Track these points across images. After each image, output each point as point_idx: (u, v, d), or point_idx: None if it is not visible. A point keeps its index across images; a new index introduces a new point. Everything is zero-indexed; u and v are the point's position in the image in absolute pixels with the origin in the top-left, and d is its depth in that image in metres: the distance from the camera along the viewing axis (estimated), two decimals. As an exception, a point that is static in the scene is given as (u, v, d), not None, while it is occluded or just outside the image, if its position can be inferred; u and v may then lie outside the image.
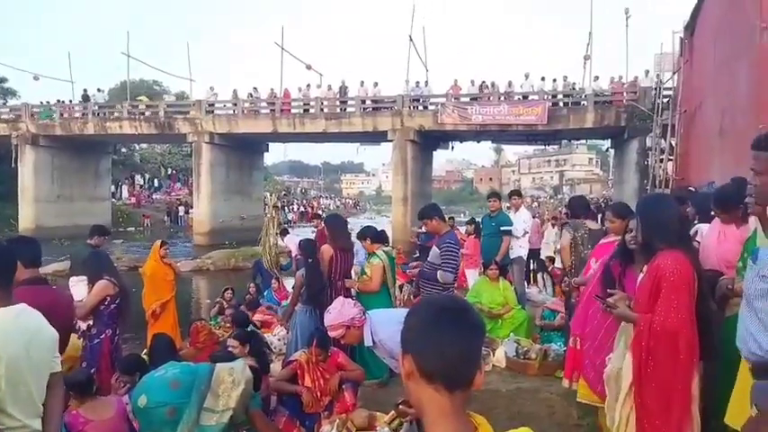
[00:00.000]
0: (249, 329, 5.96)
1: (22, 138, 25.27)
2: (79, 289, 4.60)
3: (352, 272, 5.64)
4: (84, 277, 4.61)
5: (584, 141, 38.18)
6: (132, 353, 4.90)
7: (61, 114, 25.81)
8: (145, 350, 5.25)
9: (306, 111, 23.24)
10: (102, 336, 4.61)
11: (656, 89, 18.62)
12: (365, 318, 3.54)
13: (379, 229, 5.86)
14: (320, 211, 45.24)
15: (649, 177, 16.64)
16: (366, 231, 5.57)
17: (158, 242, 7.00)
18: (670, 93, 17.37)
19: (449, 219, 13.08)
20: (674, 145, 15.32)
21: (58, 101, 26.88)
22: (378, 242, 5.54)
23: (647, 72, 20.55)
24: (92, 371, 4.34)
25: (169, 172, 44.06)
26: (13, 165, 25.17)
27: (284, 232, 10.64)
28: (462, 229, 12.10)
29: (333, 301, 5.23)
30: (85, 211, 26.88)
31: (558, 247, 6.64)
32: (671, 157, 15.38)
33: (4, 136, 25.58)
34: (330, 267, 5.23)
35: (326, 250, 5.25)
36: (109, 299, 4.54)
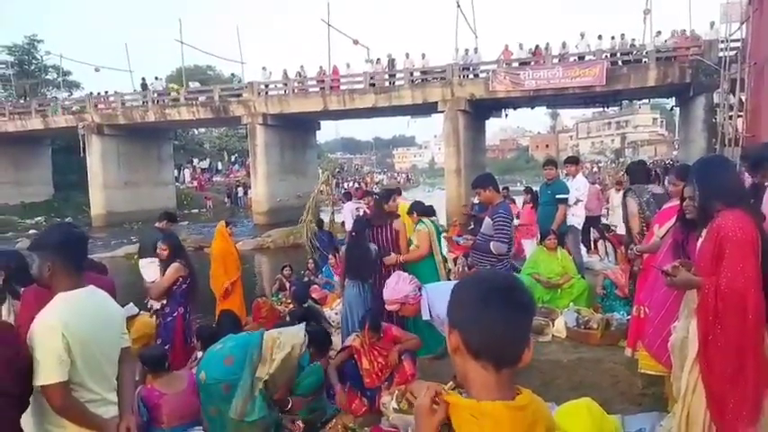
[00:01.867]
0: (307, 305, 6.15)
1: (89, 128, 26.64)
2: (150, 270, 4.89)
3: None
4: (155, 259, 4.88)
5: (646, 101, 36.22)
6: (205, 324, 5.20)
7: (122, 104, 27.01)
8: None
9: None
10: (175, 314, 4.94)
11: (722, 42, 17.38)
12: (420, 294, 3.57)
13: (426, 205, 5.91)
14: (375, 186, 45.60)
15: (718, 136, 15.66)
16: (413, 207, 5.63)
17: (223, 222, 7.27)
18: (738, 45, 16.14)
19: (503, 189, 12.99)
20: (743, 100, 14.32)
21: (116, 92, 28.09)
22: (423, 215, 5.58)
23: (712, 24, 19.16)
24: (166, 347, 4.66)
25: (227, 155, 45.38)
26: (81, 154, 26.63)
27: (320, 224, 10.86)
28: (518, 199, 11.88)
29: (379, 275, 5.33)
30: (151, 195, 28.21)
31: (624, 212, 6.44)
32: (740, 114, 14.40)
33: (71, 127, 27.05)
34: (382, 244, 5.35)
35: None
36: (180, 279, 4.86)
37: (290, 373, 3.43)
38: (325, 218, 12.03)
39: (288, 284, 8.47)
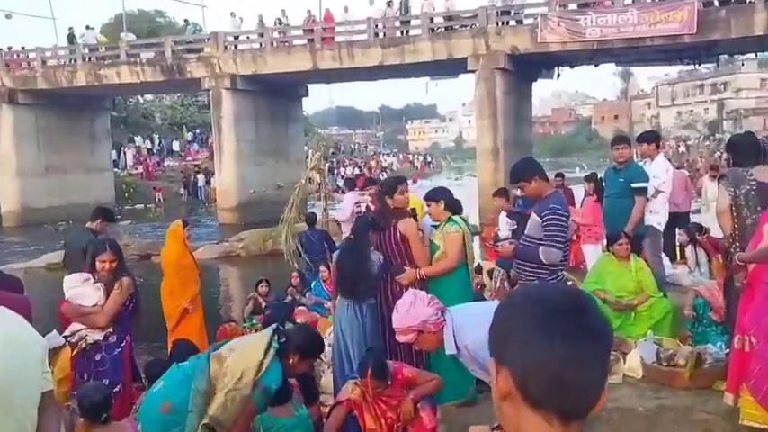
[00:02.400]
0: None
1: (-4, 95, 26.82)
2: (86, 291, 4.91)
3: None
4: (89, 276, 4.91)
5: (752, 56, 36.00)
6: (157, 359, 5.24)
7: (43, 63, 27.13)
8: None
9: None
10: (123, 343, 5.03)
11: None
12: (443, 319, 3.57)
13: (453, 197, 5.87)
14: (382, 173, 45.59)
15: None
16: (438, 193, 5.59)
17: (179, 222, 7.37)
18: None
19: (556, 176, 12.97)
20: None
21: (36, 48, 28.24)
22: (451, 209, 5.56)
23: None
24: (115, 389, 4.72)
25: (183, 132, 45.62)
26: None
27: (311, 220, 10.78)
28: (577, 190, 11.84)
29: (385, 294, 5.35)
30: (81, 185, 28.37)
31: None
32: None
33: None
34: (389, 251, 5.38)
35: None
36: (128, 298, 4.95)
37: (242, 418, 3.51)
38: (318, 215, 12.02)
39: (264, 305, 8.50)
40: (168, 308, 6.95)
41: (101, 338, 4.93)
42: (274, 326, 3.89)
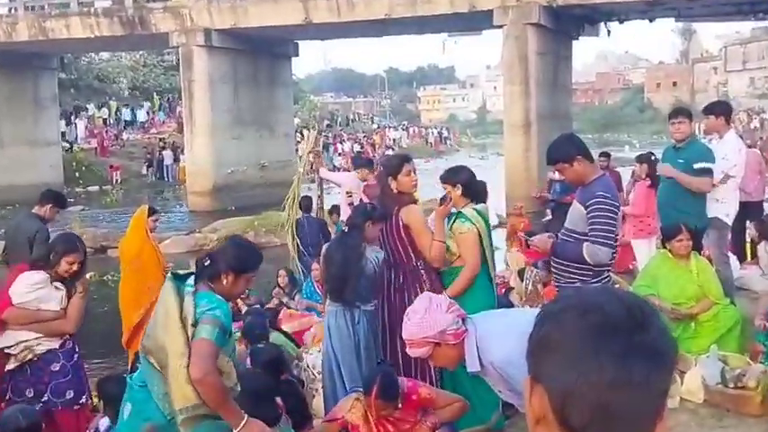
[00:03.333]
0: (268, 343, 6.18)
1: None
2: (51, 294, 4.95)
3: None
4: (45, 275, 4.94)
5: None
6: (113, 375, 5.30)
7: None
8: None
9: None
10: (78, 350, 5.17)
11: None
12: (465, 329, 3.57)
13: (478, 180, 5.85)
14: (385, 151, 45.41)
15: None
16: (454, 174, 5.57)
17: (144, 208, 7.43)
18: None
19: (602, 156, 12.94)
20: None
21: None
22: (470, 196, 5.53)
23: None
24: (81, 400, 4.82)
25: (147, 98, 45.52)
26: None
27: (306, 206, 10.63)
28: (626, 172, 11.81)
29: (387, 298, 5.38)
30: (23, 161, 28.32)
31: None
32: None
33: None
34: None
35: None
36: None
37: (205, 368, 3.57)
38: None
39: (244, 310, 8.53)
40: (129, 312, 6.99)
41: (56, 346, 4.97)
42: (169, 274, 4.02)
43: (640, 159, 10.28)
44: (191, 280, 3.77)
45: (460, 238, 5.35)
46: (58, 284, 4.97)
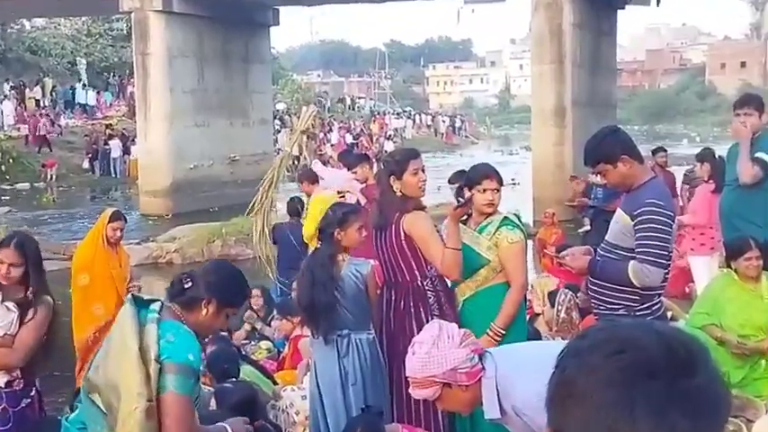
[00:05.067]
0: (236, 381, 6.17)
1: None
2: None
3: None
4: None
5: None
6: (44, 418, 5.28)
7: None
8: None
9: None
10: (33, 394, 5.04)
11: None
12: (483, 366, 3.57)
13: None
14: (385, 144, 45.23)
15: None
16: (482, 171, 5.57)
17: (107, 213, 7.56)
18: None
19: (656, 153, 12.89)
20: None
21: None
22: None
23: None
24: None
25: (91, 75, 45.45)
26: None
27: (294, 210, 10.60)
28: (679, 172, 11.81)
29: (386, 322, 5.42)
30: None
31: None
32: None
33: None
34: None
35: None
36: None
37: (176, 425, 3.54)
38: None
39: (208, 340, 8.52)
40: (83, 338, 7.10)
41: (1, 384, 4.90)
42: (129, 296, 3.89)
43: (701, 158, 10.29)
44: (155, 305, 3.70)
45: (508, 250, 5.33)
46: (10, 305, 4.87)
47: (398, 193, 5.41)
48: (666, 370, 1.17)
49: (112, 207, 8.15)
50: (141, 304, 3.72)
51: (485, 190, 5.39)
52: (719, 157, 9.54)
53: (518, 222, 5.47)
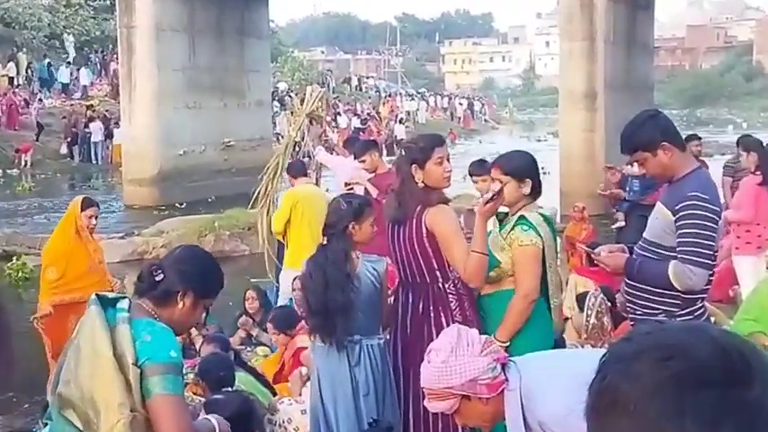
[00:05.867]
0: (232, 390, 6.19)
1: None
2: None
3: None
4: None
5: None
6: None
7: None
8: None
9: None
10: None
11: None
12: (506, 377, 3.57)
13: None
14: (398, 125, 45.14)
15: None
16: (515, 162, 5.51)
17: (77, 200, 7.59)
18: None
19: (689, 140, 12.87)
20: None
21: None
22: (535, 195, 5.51)
23: None
24: None
25: (70, 50, 45.54)
26: None
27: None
28: (721, 162, 11.80)
29: (402, 326, 5.44)
30: None
31: None
32: None
33: None
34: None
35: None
36: None
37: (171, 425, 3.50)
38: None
39: (199, 344, 8.54)
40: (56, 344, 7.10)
41: None
42: (93, 296, 3.76)
43: (746, 146, 10.24)
44: (122, 303, 3.64)
45: (519, 252, 5.27)
46: None
47: (420, 184, 5.37)
48: (720, 379, 1.17)
49: (85, 195, 8.15)
50: (107, 304, 3.66)
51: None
52: (766, 146, 9.53)
53: (536, 224, 5.35)
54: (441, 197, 5.46)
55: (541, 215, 5.47)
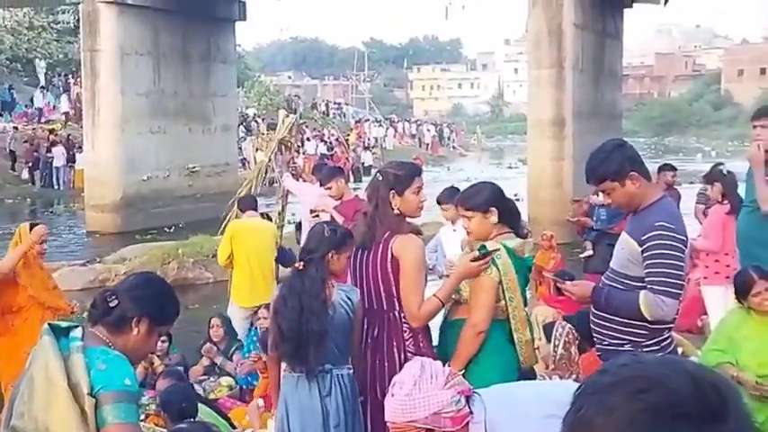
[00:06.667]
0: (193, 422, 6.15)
1: None
2: None
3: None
4: None
5: None
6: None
7: None
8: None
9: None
10: None
11: None
12: (470, 410, 3.56)
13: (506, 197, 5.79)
14: (362, 154, 45.05)
15: None
16: (480, 194, 5.44)
17: (24, 225, 7.58)
18: None
19: (665, 170, 12.93)
20: None
21: None
22: (510, 226, 5.49)
23: None
24: None
25: (29, 71, 45.26)
26: None
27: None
28: (693, 192, 11.87)
29: (372, 357, 5.39)
30: None
31: None
32: None
33: None
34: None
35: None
36: None
37: None
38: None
39: (159, 372, 8.49)
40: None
41: None
42: (45, 326, 3.74)
43: (709, 179, 10.27)
44: (76, 332, 3.61)
45: (474, 282, 5.21)
46: None
47: (396, 211, 5.38)
48: (695, 414, 1.17)
49: (32, 221, 8.13)
50: (59, 333, 3.62)
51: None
52: (729, 172, 9.58)
53: (503, 258, 5.22)
54: (413, 227, 5.50)
55: (504, 246, 5.43)
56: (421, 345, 5.28)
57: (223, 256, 10.11)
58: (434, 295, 5.17)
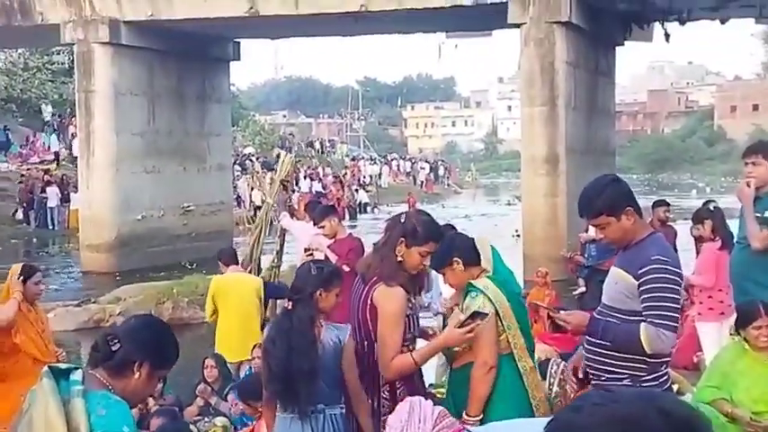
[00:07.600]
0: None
1: None
2: None
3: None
4: None
5: None
6: None
7: None
8: None
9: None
10: None
11: None
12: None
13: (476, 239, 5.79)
14: (359, 190, 44.92)
15: None
16: (455, 243, 5.54)
17: (17, 268, 7.55)
18: None
19: (657, 205, 12.92)
20: None
21: None
22: (474, 263, 5.50)
23: None
24: None
25: (25, 112, 45.24)
26: None
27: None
28: (684, 227, 11.87)
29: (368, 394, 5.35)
30: None
31: None
32: None
33: None
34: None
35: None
36: None
37: None
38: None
39: (153, 413, 8.46)
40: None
41: None
42: (46, 369, 3.67)
43: (698, 219, 10.19)
44: (76, 375, 3.56)
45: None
46: None
47: (399, 258, 5.32)
48: None
49: (25, 263, 8.20)
50: (59, 375, 3.57)
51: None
52: (716, 208, 9.60)
53: (481, 287, 5.30)
54: (403, 281, 5.36)
55: (490, 278, 5.42)
56: (398, 391, 5.21)
57: (208, 312, 10.45)
58: (411, 354, 5.16)
